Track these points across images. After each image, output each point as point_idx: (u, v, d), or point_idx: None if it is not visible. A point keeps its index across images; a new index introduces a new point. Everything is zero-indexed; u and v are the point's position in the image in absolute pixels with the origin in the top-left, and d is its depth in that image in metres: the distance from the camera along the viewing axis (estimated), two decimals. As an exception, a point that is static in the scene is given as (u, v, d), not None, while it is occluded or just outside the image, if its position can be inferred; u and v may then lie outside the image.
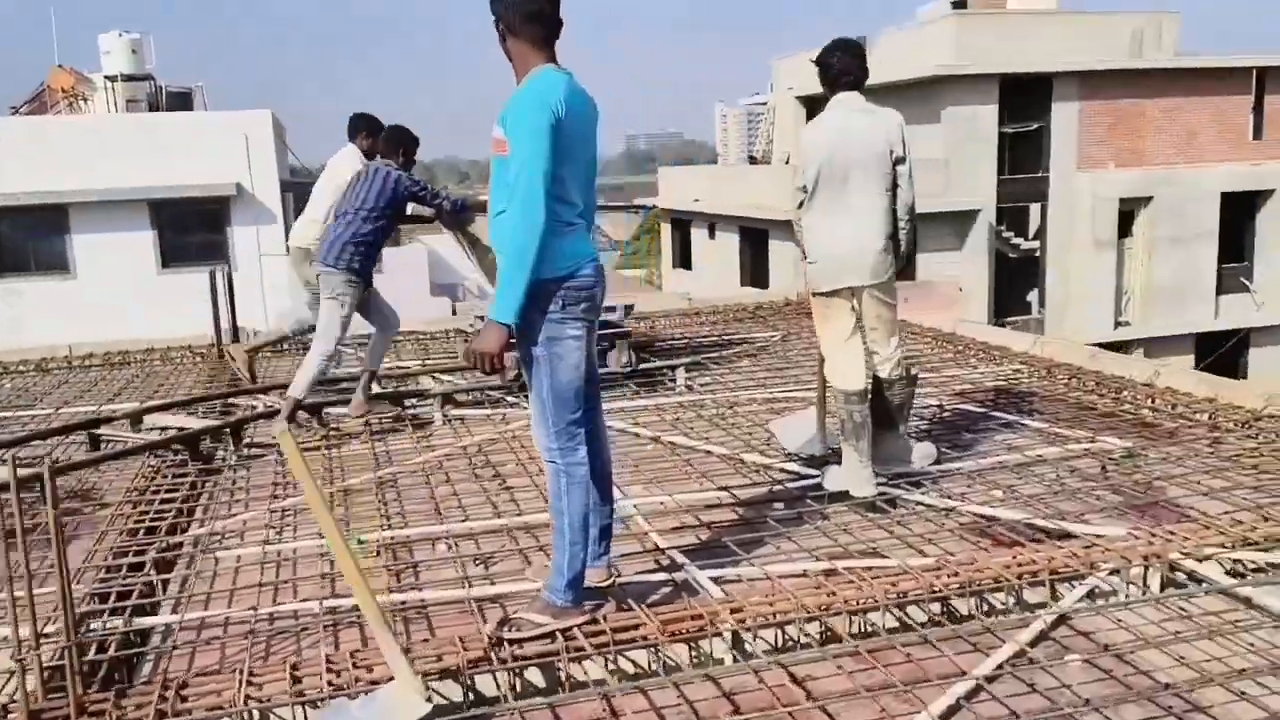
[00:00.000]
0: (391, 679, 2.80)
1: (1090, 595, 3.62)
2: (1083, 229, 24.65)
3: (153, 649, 3.39)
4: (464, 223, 5.96)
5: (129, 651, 3.35)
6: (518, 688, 3.06)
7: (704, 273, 29.24)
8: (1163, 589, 3.72)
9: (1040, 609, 3.50)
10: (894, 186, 4.44)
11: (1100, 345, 24.65)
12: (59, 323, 18.25)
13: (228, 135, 20.66)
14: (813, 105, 29.92)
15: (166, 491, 4.86)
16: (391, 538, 4.27)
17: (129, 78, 24.22)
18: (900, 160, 4.43)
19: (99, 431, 5.62)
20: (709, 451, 5.37)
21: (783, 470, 5.01)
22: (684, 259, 31.40)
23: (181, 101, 25.85)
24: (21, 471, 3.08)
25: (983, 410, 6.00)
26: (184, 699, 2.93)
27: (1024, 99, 24.13)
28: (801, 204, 4.49)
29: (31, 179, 19.20)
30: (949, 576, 3.54)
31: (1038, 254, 25.80)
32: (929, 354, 7.79)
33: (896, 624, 3.45)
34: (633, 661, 3.20)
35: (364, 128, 6.72)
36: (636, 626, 3.23)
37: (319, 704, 2.86)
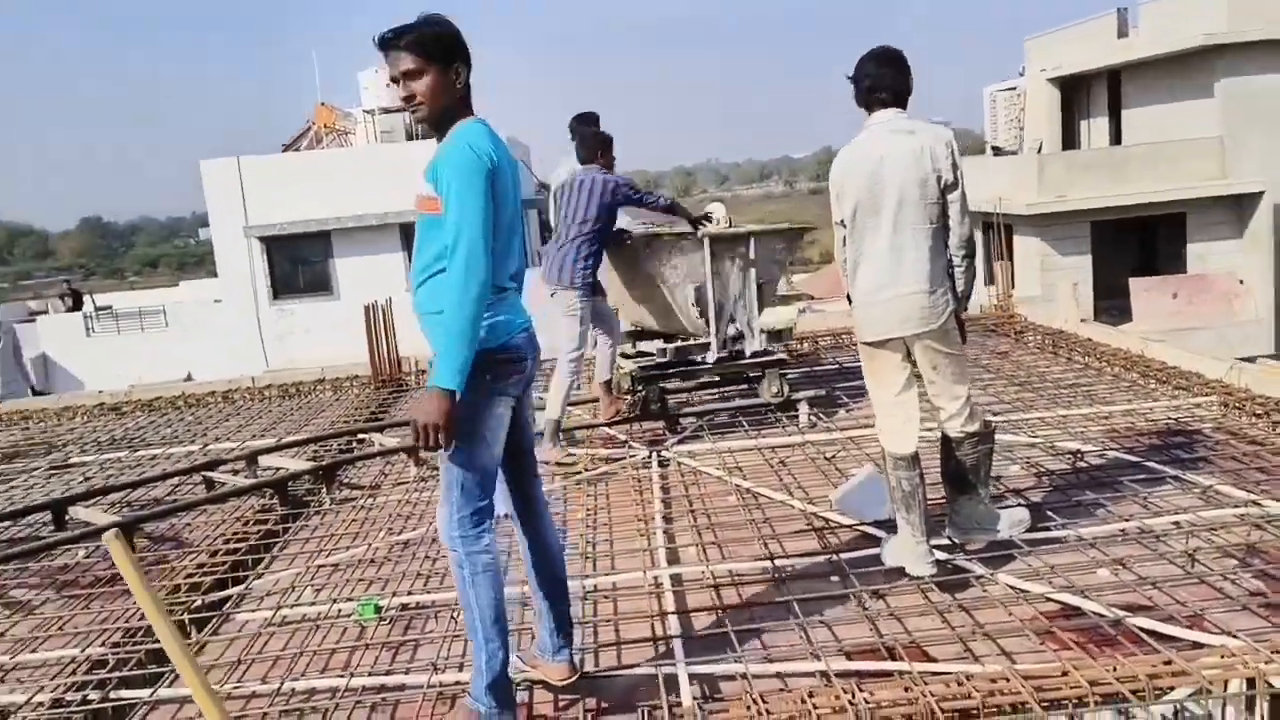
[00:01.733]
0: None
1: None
2: (1397, 208, 21.09)
3: (125, 726, 3.39)
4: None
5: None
6: None
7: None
8: (1274, 723, 2.91)
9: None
10: (944, 217, 3.79)
11: None
12: (323, 338, 20.16)
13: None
14: (1069, 87, 27.57)
15: (236, 540, 4.97)
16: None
17: (385, 110, 26.02)
18: (950, 186, 3.78)
19: (212, 474, 5.87)
20: (793, 505, 4.85)
21: (860, 531, 4.43)
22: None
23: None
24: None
25: (1135, 458, 5.07)
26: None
27: (1317, 62, 20.95)
28: (844, 240, 3.94)
29: (300, 209, 21.24)
30: (990, 690, 2.91)
31: (1339, 239, 22.35)
32: (1099, 384, 6.75)
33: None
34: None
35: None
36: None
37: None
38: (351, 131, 26.34)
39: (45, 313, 28.62)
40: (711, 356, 6.35)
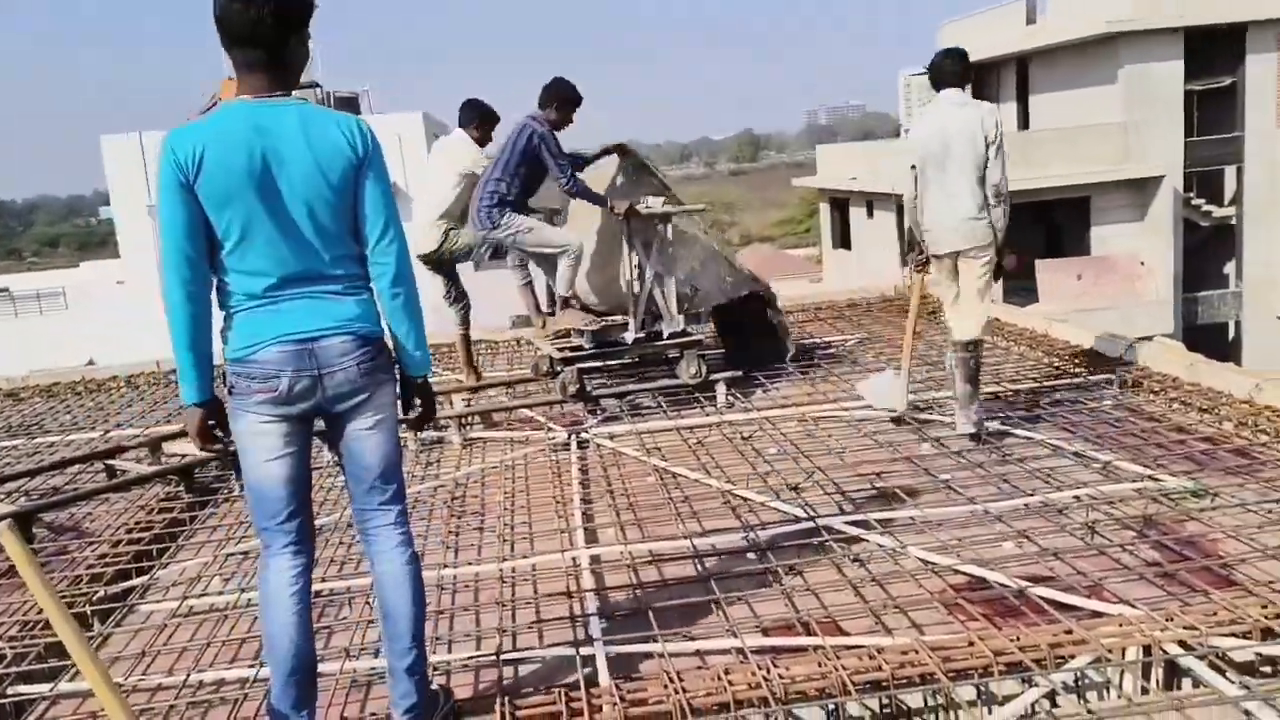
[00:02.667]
0: None
1: (1076, 691, 2.99)
2: (1286, 193, 22.10)
3: None
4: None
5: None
6: None
7: (864, 253, 28.07)
8: (1169, 686, 3.03)
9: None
10: (985, 168, 5.04)
11: (1309, 322, 22.20)
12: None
13: (382, 137, 21.38)
14: (980, 72, 28.16)
15: (140, 530, 4.82)
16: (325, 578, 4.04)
17: (296, 86, 25.32)
18: (990, 143, 5.01)
19: (114, 462, 5.68)
20: (711, 485, 4.89)
21: (777, 510, 4.48)
22: (844, 239, 30.27)
23: (348, 106, 27.02)
24: None
25: (1040, 435, 5.22)
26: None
27: (1212, 53, 21.81)
28: (915, 181, 5.24)
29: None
30: (900, 663, 2.98)
31: (1233, 222, 23.35)
32: (1007, 363, 6.95)
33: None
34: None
35: (478, 118, 6.68)
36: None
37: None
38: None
39: (-65, 295, 27.38)
40: (630, 338, 6.36)
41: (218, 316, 2.66)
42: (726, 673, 3.02)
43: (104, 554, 4.54)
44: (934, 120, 5.17)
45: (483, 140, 6.65)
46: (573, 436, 5.89)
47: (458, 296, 7.00)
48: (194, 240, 2.53)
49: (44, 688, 3.40)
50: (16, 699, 3.36)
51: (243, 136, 2.53)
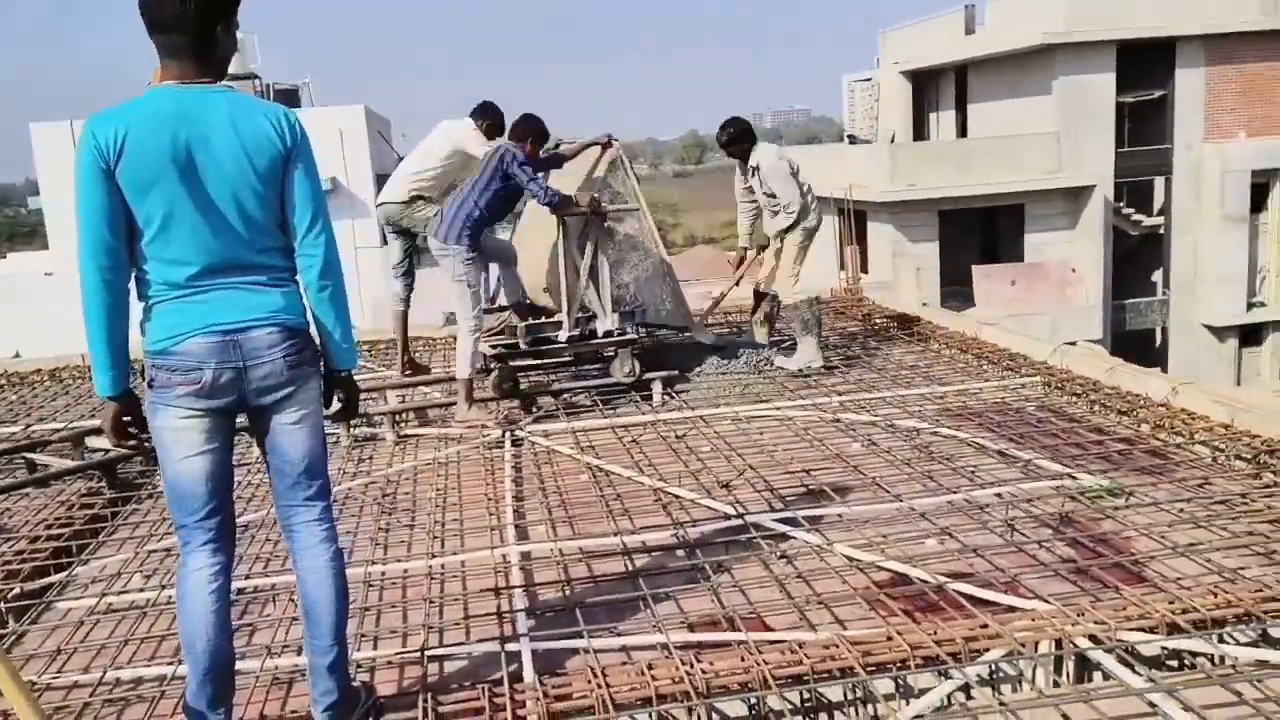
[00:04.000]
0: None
1: (990, 683, 3.06)
2: (1211, 203, 22.79)
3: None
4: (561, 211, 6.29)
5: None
6: None
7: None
8: (1080, 680, 3.12)
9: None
10: None
11: (1235, 328, 22.86)
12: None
13: (322, 131, 21.13)
14: (920, 80, 28.61)
15: (60, 525, 4.72)
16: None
17: (234, 77, 24.84)
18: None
19: (34, 456, 5.55)
20: (643, 482, 4.92)
21: (708, 508, 4.52)
22: (786, 242, 30.47)
23: (288, 99, 26.56)
24: None
25: (965, 435, 5.34)
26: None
27: (1144, 66, 22.38)
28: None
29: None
30: (821, 657, 3.03)
31: (1161, 231, 23.99)
32: (937, 365, 7.09)
33: (747, 713, 2.99)
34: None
35: (489, 116, 6.80)
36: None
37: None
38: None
39: None
40: (564, 335, 6.37)
41: (135, 309, 2.61)
42: (650, 668, 3.04)
43: (21, 550, 4.43)
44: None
45: (487, 139, 6.71)
46: (507, 434, 5.88)
47: (408, 270, 7.10)
48: (113, 228, 2.47)
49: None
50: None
51: (167, 121, 2.47)
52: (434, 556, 4.18)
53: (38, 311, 21.50)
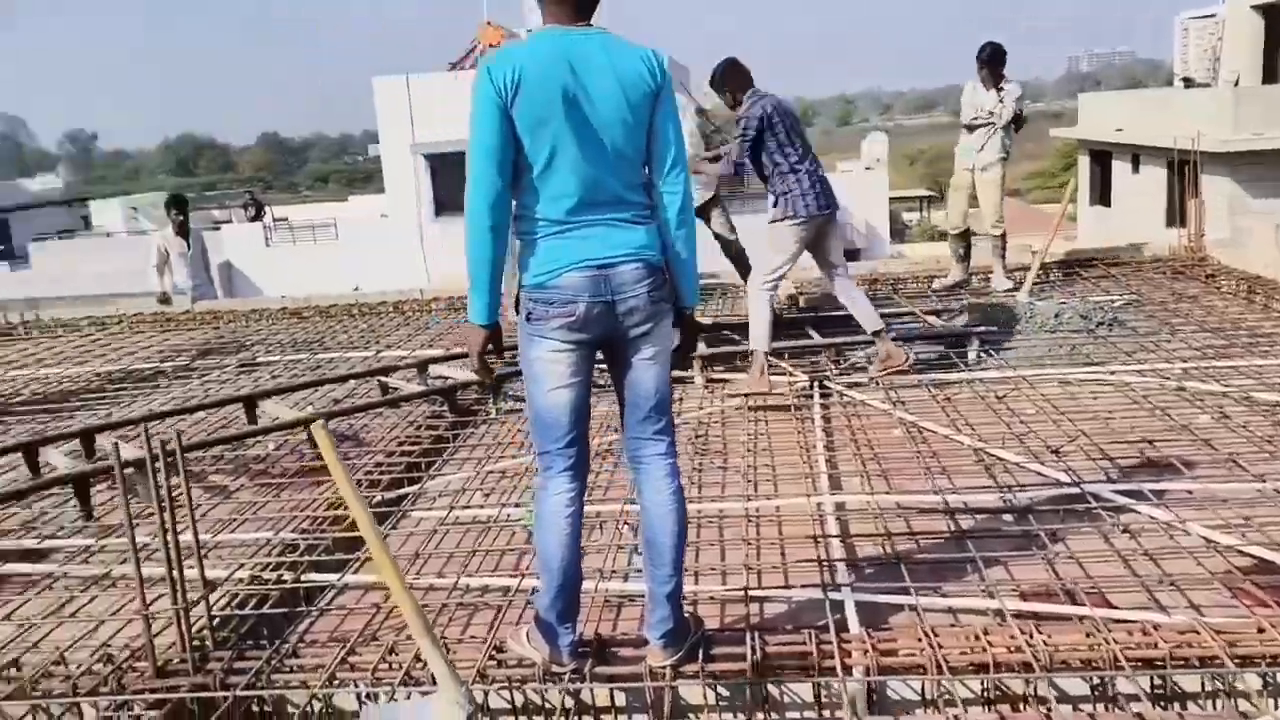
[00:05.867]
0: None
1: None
2: None
3: (317, 607, 3.61)
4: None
5: (273, 610, 3.57)
6: (514, 702, 2.92)
7: (1125, 211, 26.02)
8: None
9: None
10: None
11: None
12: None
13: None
14: (1272, 15, 25.24)
15: (410, 443, 5.19)
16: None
17: (511, 33, 26.01)
18: None
19: (386, 380, 6.13)
20: (962, 442, 4.72)
21: (1036, 473, 4.27)
22: (1103, 195, 28.16)
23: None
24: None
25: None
26: (294, 658, 3.09)
27: None
28: None
29: (464, 128, 21.55)
30: (1178, 643, 2.80)
31: None
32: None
33: (1089, 693, 2.81)
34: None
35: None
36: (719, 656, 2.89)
37: (371, 696, 2.89)
38: (514, 52, 26.52)
39: (229, 222, 30.32)
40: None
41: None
42: (985, 633, 2.92)
43: (380, 463, 4.93)
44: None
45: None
46: (815, 384, 5.83)
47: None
48: (503, 163, 2.62)
49: (333, 577, 3.75)
50: (309, 585, 3.72)
51: (557, 60, 2.60)
52: (749, 500, 4.23)
53: (375, 249, 23.76)
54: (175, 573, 2.98)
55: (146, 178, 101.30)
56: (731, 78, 5.90)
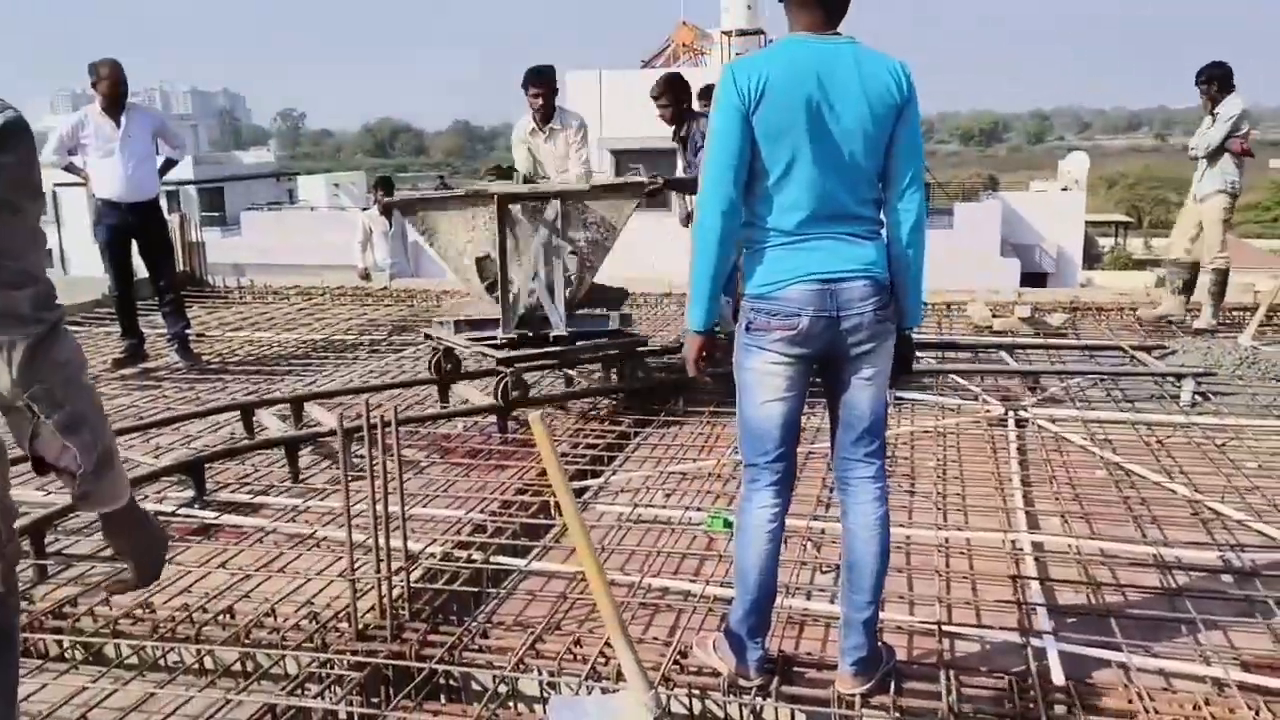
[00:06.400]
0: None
1: None
2: None
3: (502, 589, 3.69)
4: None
5: (463, 589, 3.67)
6: (692, 709, 2.88)
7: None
8: None
9: None
10: None
11: None
12: (662, 253, 20.87)
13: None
14: None
15: (594, 437, 5.26)
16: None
17: (742, 32, 26.01)
18: None
19: (571, 372, 6.23)
20: (1175, 491, 4.42)
21: (1261, 533, 3.95)
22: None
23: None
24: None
25: None
26: (483, 638, 3.17)
27: None
28: None
29: (651, 125, 21.77)
30: None
31: None
32: None
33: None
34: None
35: None
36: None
37: (553, 685, 2.92)
38: (708, 52, 26.64)
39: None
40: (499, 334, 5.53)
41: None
42: (1206, 703, 2.71)
43: (565, 453, 5.00)
44: None
45: None
46: (1010, 413, 5.59)
47: None
48: (739, 170, 2.58)
49: (519, 562, 3.83)
50: (496, 567, 3.82)
51: (804, 70, 2.54)
52: (939, 529, 4.08)
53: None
54: (382, 542, 3.10)
55: (347, 156, 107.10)
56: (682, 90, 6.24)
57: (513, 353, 5.46)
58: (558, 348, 5.58)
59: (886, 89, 2.57)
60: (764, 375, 2.68)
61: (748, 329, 2.69)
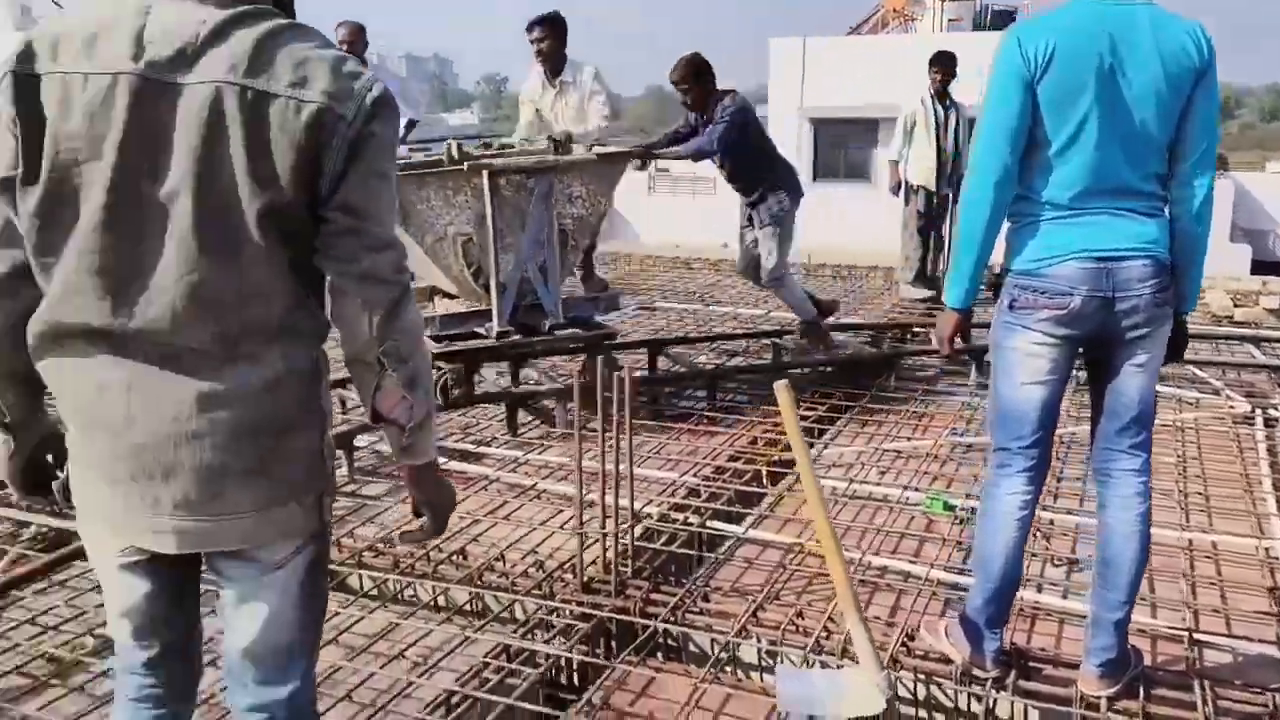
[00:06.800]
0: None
1: None
2: None
3: (719, 554, 3.71)
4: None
5: (681, 550, 3.71)
6: (918, 694, 2.80)
7: None
8: None
9: None
10: None
11: None
12: (855, 225, 20.36)
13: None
14: None
15: (804, 409, 5.19)
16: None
17: (967, -2, 24.90)
18: None
19: (780, 341, 6.17)
20: None
21: None
22: None
23: (1005, 21, 25.98)
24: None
25: None
26: (704, 600, 3.20)
27: None
28: None
29: (853, 94, 21.22)
30: None
31: None
32: None
33: None
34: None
35: None
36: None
37: (772, 655, 2.90)
38: (918, 18, 25.63)
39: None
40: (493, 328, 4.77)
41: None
42: None
43: (776, 423, 4.97)
44: None
45: None
46: (1258, 411, 5.17)
47: None
48: (1014, 145, 2.43)
49: (736, 529, 3.84)
50: (712, 532, 3.84)
51: (1095, 34, 2.37)
52: (1183, 529, 3.82)
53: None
54: (611, 499, 3.16)
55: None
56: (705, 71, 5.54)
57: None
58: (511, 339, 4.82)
59: (1184, 51, 2.36)
60: (1026, 356, 2.53)
61: (1011, 306, 2.54)
